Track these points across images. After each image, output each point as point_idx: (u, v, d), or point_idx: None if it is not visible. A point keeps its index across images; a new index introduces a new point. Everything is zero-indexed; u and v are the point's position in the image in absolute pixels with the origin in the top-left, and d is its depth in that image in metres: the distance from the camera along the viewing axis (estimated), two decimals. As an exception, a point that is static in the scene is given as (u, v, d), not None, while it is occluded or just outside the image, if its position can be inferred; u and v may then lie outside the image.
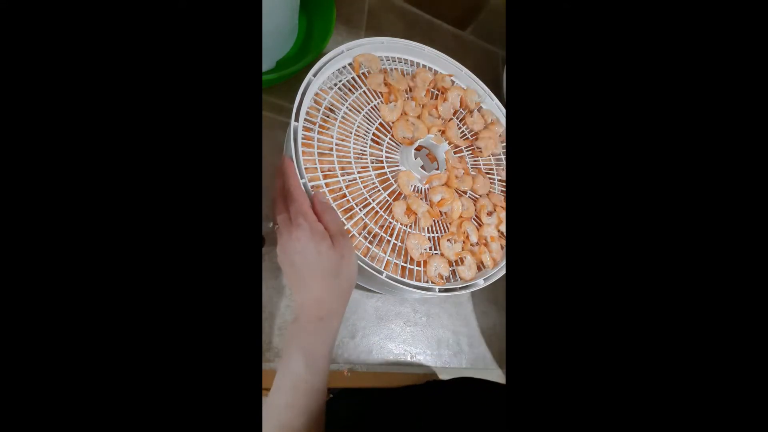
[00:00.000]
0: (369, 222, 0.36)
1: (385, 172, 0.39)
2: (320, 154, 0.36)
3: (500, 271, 0.41)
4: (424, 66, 0.48)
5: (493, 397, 0.36)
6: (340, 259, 0.29)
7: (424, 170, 0.40)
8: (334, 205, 0.35)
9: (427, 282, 0.37)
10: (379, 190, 0.38)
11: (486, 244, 0.42)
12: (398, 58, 0.46)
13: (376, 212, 0.37)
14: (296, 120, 0.35)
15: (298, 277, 0.30)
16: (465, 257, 0.40)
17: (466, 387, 0.41)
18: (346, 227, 0.35)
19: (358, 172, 0.38)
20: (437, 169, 0.42)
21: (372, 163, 0.39)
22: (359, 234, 0.36)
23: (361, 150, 0.39)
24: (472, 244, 0.41)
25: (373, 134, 0.40)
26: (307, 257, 0.29)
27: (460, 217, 0.41)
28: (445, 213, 0.41)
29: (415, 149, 0.41)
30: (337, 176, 0.36)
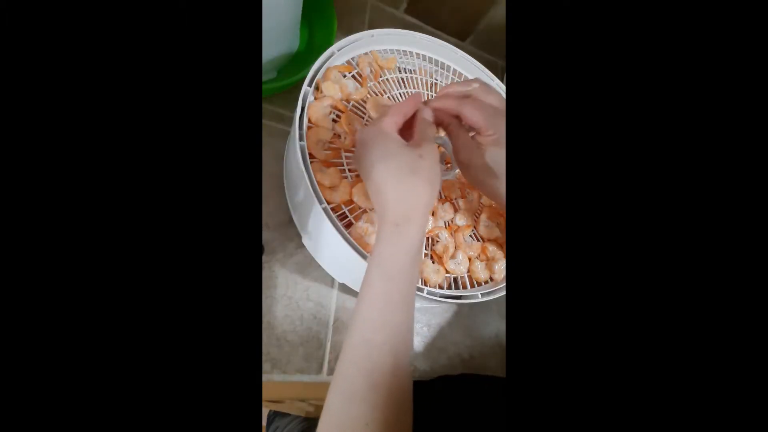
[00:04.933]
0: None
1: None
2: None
3: (501, 290, 0.40)
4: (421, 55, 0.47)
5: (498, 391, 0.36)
6: (418, 158, 0.27)
7: None
8: (346, 212, 0.35)
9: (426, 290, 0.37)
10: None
11: (489, 260, 0.42)
12: (395, 50, 0.46)
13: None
14: (299, 127, 0.35)
15: (368, 177, 0.28)
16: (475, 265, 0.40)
17: (473, 382, 0.40)
18: (359, 229, 0.35)
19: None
20: (448, 165, 0.41)
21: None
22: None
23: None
24: (470, 258, 0.41)
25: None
26: (374, 152, 0.27)
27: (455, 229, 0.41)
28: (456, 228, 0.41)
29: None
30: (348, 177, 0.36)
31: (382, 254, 0.27)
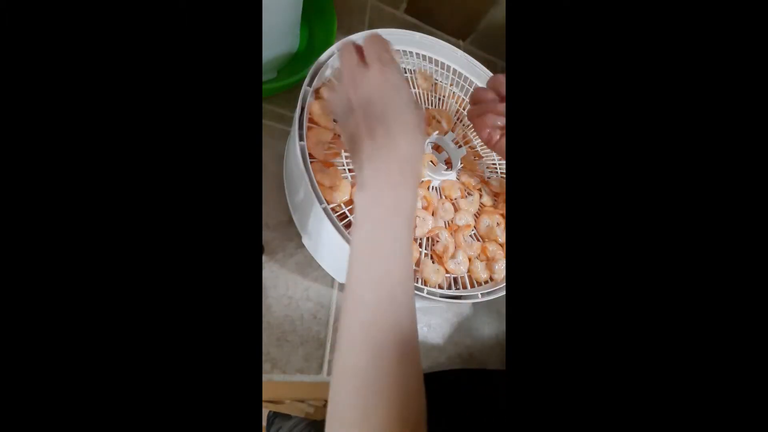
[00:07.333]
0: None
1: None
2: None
3: (501, 290, 0.40)
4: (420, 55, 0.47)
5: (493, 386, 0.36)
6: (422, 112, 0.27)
7: (432, 164, 0.40)
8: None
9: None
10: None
11: (489, 260, 0.42)
12: (395, 50, 0.46)
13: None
14: (299, 127, 0.35)
15: (385, 120, 0.25)
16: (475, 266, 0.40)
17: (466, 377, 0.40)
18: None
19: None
20: (449, 166, 0.41)
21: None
22: None
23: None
24: (470, 258, 0.41)
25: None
26: (396, 101, 0.25)
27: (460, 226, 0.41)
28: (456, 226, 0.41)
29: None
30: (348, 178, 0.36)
31: (395, 200, 0.25)
